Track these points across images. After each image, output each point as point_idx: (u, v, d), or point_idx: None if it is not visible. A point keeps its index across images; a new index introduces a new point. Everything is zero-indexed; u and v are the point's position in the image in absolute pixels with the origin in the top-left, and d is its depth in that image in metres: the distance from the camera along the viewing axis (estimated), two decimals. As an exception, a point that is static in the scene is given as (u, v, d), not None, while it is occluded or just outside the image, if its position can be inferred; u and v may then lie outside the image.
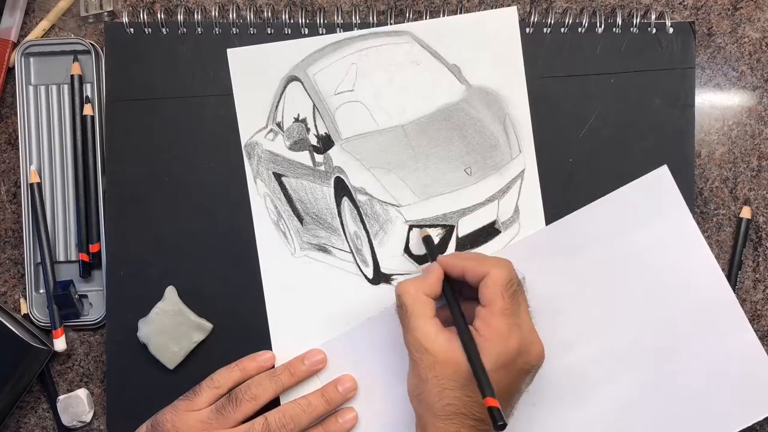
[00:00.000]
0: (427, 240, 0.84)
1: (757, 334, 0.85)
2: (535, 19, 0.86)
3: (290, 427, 0.81)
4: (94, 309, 0.90)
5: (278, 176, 0.87)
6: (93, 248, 0.88)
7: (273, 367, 0.86)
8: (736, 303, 0.85)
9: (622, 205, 0.85)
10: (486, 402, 0.68)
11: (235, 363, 0.85)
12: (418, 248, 0.86)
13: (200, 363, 0.87)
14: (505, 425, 0.66)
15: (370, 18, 0.87)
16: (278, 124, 0.87)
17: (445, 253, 0.84)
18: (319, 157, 0.86)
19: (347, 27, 0.87)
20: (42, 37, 0.90)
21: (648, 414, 0.82)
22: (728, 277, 0.87)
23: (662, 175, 0.86)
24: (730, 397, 0.84)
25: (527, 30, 0.87)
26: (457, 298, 0.77)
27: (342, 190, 0.86)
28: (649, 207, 0.85)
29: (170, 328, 0.86)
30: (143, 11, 0.87)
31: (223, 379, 0.83)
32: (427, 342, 0.73)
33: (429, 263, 0.80)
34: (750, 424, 0.84)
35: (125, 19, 0.88)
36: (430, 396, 0.72)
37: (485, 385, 0.69)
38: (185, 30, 0.87)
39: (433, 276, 0.77)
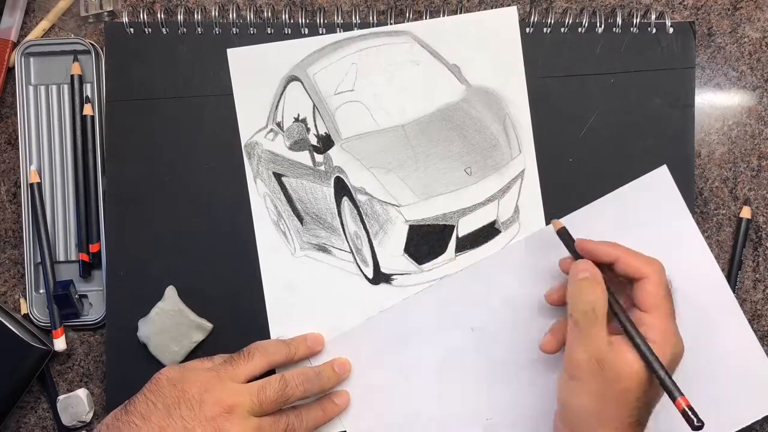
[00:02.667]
0: (562, 232, 0.81)
1: (757, 334, 0.85)
2: (535, 19, 0.86)
3: (306, 387, 0.81)
4: (94, 309, 0.90)
5: (278, 176, 0.87)
6: (93, 248, 0.88)
7: (319, 353, 0.86)
8: (735, 302, 0.85)
9: (621, 205, 0.85)
10: (678, 404, 0.67)
11: (285, 342, 0.84)
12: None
13: (200, 363, 0.87)
14: (703, 425, 0.65)
15: (370, 18, 0.87)
16: (278, 124, 0.87)
17: (587, 242, 0.78)
18: (319, 157, 0.86)
19: (347, 27, 0.87)
20: (42, 37, 0.90)
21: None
22: (728, 277, 0.87)
23: (662, 174, 0.86)
24: (729, 397, 0.84)
25: (527, 30, 0.87)
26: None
27: (342, 189, 0.86)
28: (649, 207, 0.85)
29: (170, 327, 0.86)
30: (143, 11, 0.87)
31: (275, 355, 0.82)
32: (610, 354, 0.71)
33: (584, 261, 0.76)
34: (749, 423, 0.84)
35: (125, 19, 0.88)
36: (609, 411, 0.70)
37: (674, 388, 0.68)
38: (185, 30, 0.87)
39: (601, 278, 0.74)
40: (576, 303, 0.74)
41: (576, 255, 0.78)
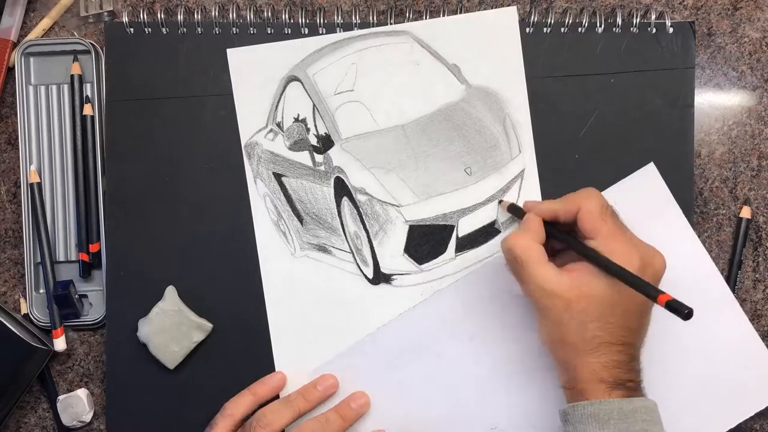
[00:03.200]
0: (512, 207, 0.84)
1: (758, 333, 0.85)
2: (535, 19, 0.86)
3: None
4: (94, 309, 0.90)
5: (278, 176, 0.87)
6: (93, 248, 0.88)
7: (283, 387, 0.86)
8: (731, 295, 0.85)
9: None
10: (660, 300, 0.66)
11: (246, 389, 0.85)
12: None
13: (200, 363, 0.88)
14: (692, 311, 0.64)
15: (370, 18, 0.87)
16: (278, 124, 0.87)
17: (531, 201, 0.81)
18: (319, 157, 0.86)
19: (347, 27, 0.87)
20: (42, 37, 0.90)
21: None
22: (728, 277, 0.88)
23: (649, 172, 0.86)
24: (728, 389, 0.84)
25: (527, 30, 0.87)
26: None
27: (342, 190, 0.86)
28: (638, 205, 0.85)
29: (170, 327, 0.86)
30: (143, 11, 0.87)
31: (235, 407, 0.83)
32: (554, 285, 0.72)
33: (526, 216, 0.79)
34: (751, 414, 0.84)
35: (125, 19, 0.88)
36: (571, 336, 0.72)
37: (648, 287, 0.68)
38: (185, 30, 0.87)
39: (535, 223, 0.77)
40: (504, 257, 0.77)
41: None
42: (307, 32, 0.87)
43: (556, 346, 0.74)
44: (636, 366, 0.73)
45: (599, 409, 0.70)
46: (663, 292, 0.67)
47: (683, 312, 0.64)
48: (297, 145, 0.87)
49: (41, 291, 0.89)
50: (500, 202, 0.86)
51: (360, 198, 0.85)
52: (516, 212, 0.83)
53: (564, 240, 0.77)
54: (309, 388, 0.85)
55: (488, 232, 0.86)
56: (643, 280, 0.69)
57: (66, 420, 0.89)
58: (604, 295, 0.71)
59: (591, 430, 0.70)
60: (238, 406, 0.83)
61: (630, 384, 0.72)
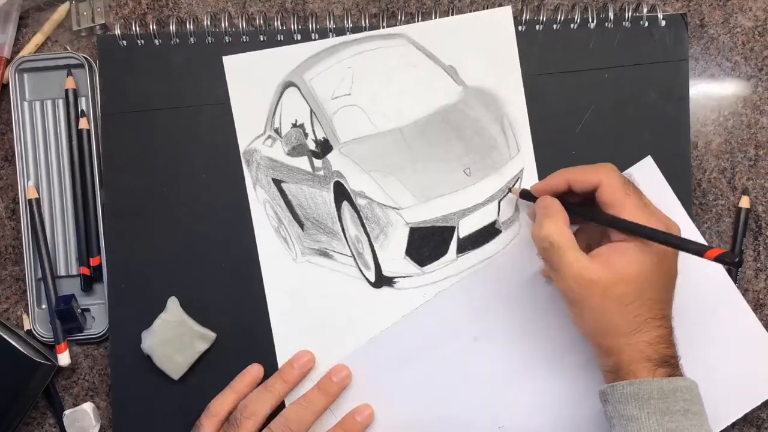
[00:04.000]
0: (524, 193, 0.83)
1: (761, 323, 0.85)
2: (527, 17, 0.86)
3: (295, 427, 0.82)
4: (97, 322, 0.90)
5: (278, 182, 0.87)
6: (93, 262, 0.88)
7: (261, 378, 0.86)
8: (733, 285, 0.85)
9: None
10: (709, 255, 0.67)
11: (227, 387, 0.85)
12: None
13: (205, 372, 0.87)
14: (742, 260, 0.65)
15: (362, 22, 0.87)
16: (276, 130, 0.87)
17: (538, 183, 0.81)
18: (317, 162, 0.86)
19: (340, 32, 0.87)
20: (35, 52, 0.90)
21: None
22: (729, 268, 0.87)
23: (647, 165, 0.86)
24: (733, 380, 0.84)
25: (519, 28, 0.87)
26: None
27: (342, 194, 0.85)
28: None
29: (174, 338, 0.86)
30: (135, 23, 0.87)
31: (218, 406, 0.83)
32: (589, 272, 0.71)
33: (541, 198, 0.79)
34: (756, 404, 0.85)
35: (117, 32, 0.87)
36: (613, 321, 0.72)
37: (692, 245, 0.69)
38: (178, 40, 0.87)
39: (557, 206, 0.76)
40: (537, 244, 0.76)
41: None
42: (299, 38, 0.87)
43: (598, 334, 0.74)
44: (674, 339, 0.73)
45: (639, 389, 0.70)
46: (711, 247, 0.68)
47: (734, 261, 0.66)
48: (295, 151, 0.87)
49: (43, 306, 0.89)
50: (510, 190, 0.86)
51: (360, 202, 0.85)
52: (529, 197, 0.82)
53: (592, 217, 0.76)
54: (285, 368, 0.86)
55: (489, 232, 0.86)
56: (690, 241, 0.70)
57: (73, 435, 0.89)
58: (637, 273, 0.71)
59: (631, 410, 0.70)
60: (221, 404, 0.83)
61: (672, 360, 0.72)
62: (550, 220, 0.75)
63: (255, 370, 0.86)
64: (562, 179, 0.77)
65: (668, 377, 0.71)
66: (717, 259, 0.67)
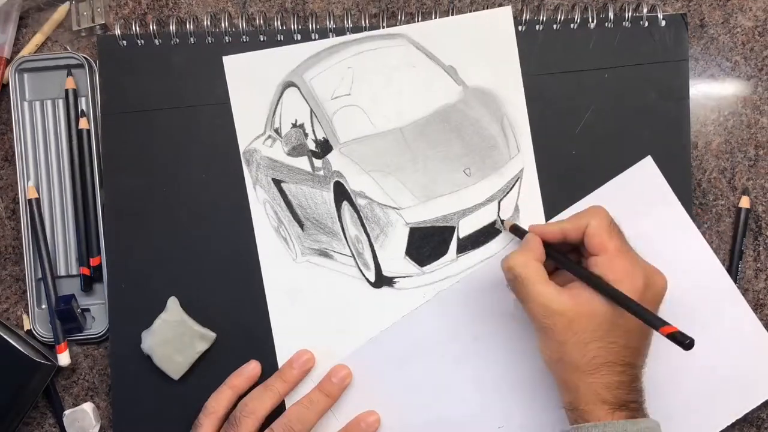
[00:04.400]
0: (514, 228, 0.84)
1: (761, 323, 0.85)
2: (527, 17, 0.86)
3: (298, 428, 0.82)
4: (97, 322, 0.90)
5: (277, 182, 0.87)
6: (93, 262, 0.88)
7: (260, 374, 0.86)
8: (733, 285, 0.85)
9: (609, 200, 0.84)
10: (663, 331, 0.67)
11: (224, 383, 0.85)
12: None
13: (205, 372, 0.87)
14: (693, 342, 0.65)
15: (363, 22, 0.87)
16: (276, 130, 0.87)
17: (537, 225, 0.82)
18: (317, 162, 0.86)
19: (340, 32, 0.87)
20: (35, 52, 0.90)
21: (651, 405, 0.83)
22: (729, 268, 0.88)
23: (647, 166, 0.86)
24: (733, 380, 0.84)
25: (519, 28, 0.87)
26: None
27: (341, 194, 0.85)
28: (637, 199, 0.85)
29: (174, 338, 0.86)
30: (135, 23, 0.87)
31: (216, 404, 0.84)
32: (555, 304, 0.72)
33: (526, 235, 0.80)
34: (757, 404, 0.85)
35: (117, 32, 0.87)
36: (572, 356, 0.72)
37: (652, 317, 0.69)
38: (178, 40, 0.87)
39: (535, 242, 0.77)
40: (505, 276, 0.77)
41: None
42: (299, 38, 0.87)
43: (557, 366, 0.74)
44: (638, 386, 0.73)
45: (604, 431, 0.70)
46: (666, 323, 0.67)
47: (684, 342, 0.65)
48: (295, 151, 0.87)
49: (43, 306, 0.89)
50: (503, 221, 0.86)
51: (360, 202, 0.85)
52: (518, 233, 0.83)
53: (564, 263, 0.77)
54: (285, 368, 0.86)
55: (489, 232, 0.86)
56: (646, 309, 0.69)
57: (73, 435, 0.89)
58: (605, 314, 0.71)
59: None
60: (219, 402, 0.84)
61: (633, 405, 0.72)
62: (519, 253, 0.76)
63: (252, 366, 0.86)
64: (557, 229, 0.78)
65: (632, 419, 0.71)
66: (669, 337, 0.66)
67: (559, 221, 0.78)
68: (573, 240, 0.77)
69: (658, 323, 0.68)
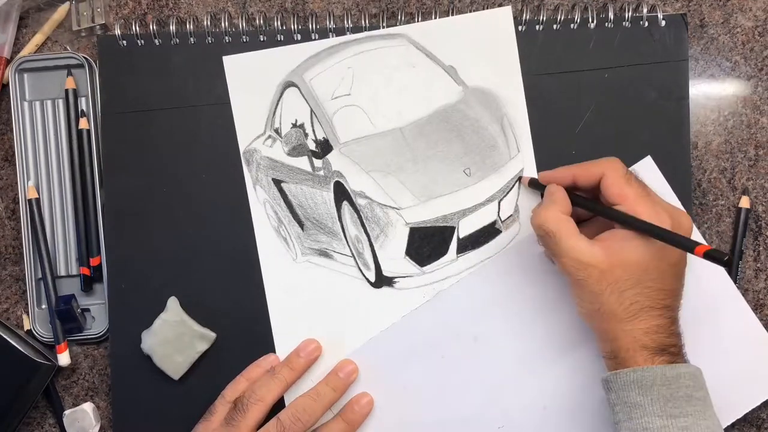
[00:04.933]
0: (533, 182, 0.84)
1: (761, 323, 0.85)
2: (527, 17, 0.86)
3: (305, 418, 0.82)
4: (97, 322, 0.90)
5: (278, 182, 0.87)
6: (93, 262, 0.88)
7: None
8: (733, 285, 0.85)
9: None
10: (697, 252, 0.67)
11: (241, 374, 0.85)
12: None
13: (205, 372, 0.87)
14: (731, 257, 0.65)
15: (363, 22, 0.87)
16: (276, 130, 0.87)
17: (546, 172, 0.82)
18: (318, 162, 0.86)
19: (340, 32, 0.87)
20: (35, 52, 0.90)
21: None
22: (729, 268, 0.87)
23: (647, 165, 0.86)
24: (733, 380, 0.84)
25: (519, 28, 0.87)
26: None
27: (342, 194, 0.85)
28: None
29: (174, 338, 0.86)
30: (135, 23, 0.87)
31: (232, 392, 0.84)
32: (588, 256, 0.73)
33: (548, 187, 0.80)
34: (757, 404, 0.85)
35: (117, 32, 0.87)
36: (609, 305, 0.72)
37: (685, 240, 0.70)
38: (178, 40, 0.87)
39: (559, 194, 0.78)
40: (535, 231, 0.77)
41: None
42: (299, 38, 0.87)
43: (595, 317, 0.74)
44: (676, 329, 0.74)
45: (642, 376, 0.70)
46: (699, 243, 0.68)
47: (722, 259, 0.66)
48: (295, 151, 0.87)
49: (43, 306, 0.89)
50: (520, 178, 0.86)
51: (360, 202, 0.85)
52: (537, 186, 0.83)
53: (592, 208, 0.77)
54: (292, 356, 0.86)
55: (489, 232, 0.86)
56: (678, 235, 0.70)
57: (73, 435, 0.89)
58: (638, 259, 0.71)
59: (634, 397, 0.71)
60: (235, 391, 0.84)
61: (672, 349, 0.72)
62: (547, 208, 0.76)
63: (271, 360, 0.87)
64: (568, 173, 0.79)
65: (671, 364, 0.71)
66: (706, 256, 0.67)
67: (569, 167, 0.79)
68: (583, 186, 0.78)
69: (691, 244, 0.68)
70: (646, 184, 0.76)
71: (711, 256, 0.67)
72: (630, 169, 0.83)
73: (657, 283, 0.72)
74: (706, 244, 0.68)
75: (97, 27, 0.89)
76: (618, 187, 0.74)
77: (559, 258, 0.75)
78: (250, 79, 0.87)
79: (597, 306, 0.73)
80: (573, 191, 0.79)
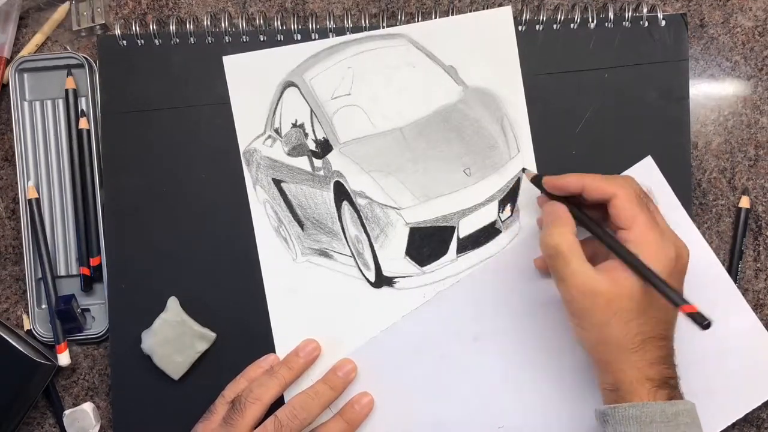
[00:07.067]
0: (535, 179, 0.82)
1: (761, 323, 0.85)
2: (527, 17, 0.86)
3: (302, 416, 0.81)
4: (97, 322, 0.90)
5: (278, 182, 0.87)
6: (93, 262, 0.88)
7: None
8: (733, 285, 0.85)
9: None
10: (683, 310, 0.67)
11: (241, 374, 0.85)
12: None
13: (205, 372, 0.87)
14: (710, 323, 0.65)
15: (363, 22, 0.87)
16: (276, 130, 0.87)
17: (552, 177, 0.80)
18: (318, 162, 0.86)
19: (340, 32, 0.87)
20: (35, 52, 0.90)
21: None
22: (729, 268, 0.88)
23: (647, 165, 0.86)
24: (734, 380, 0.84)
25: (519, 28, 0.87)
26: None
27: (342, 194, 0.85)
28: None
29: (174, 338, 0.86)
30: (135, 23, 0.87)
31: (232, 392, 0.83)
32: (594, 283, 0.71)
33: (549, 203, 0.79)
34: (757, 404, 0.85)
35: (118, 32, 0.87)
36: (615, 336, 0.71)
37: (675, 296, 0.69)
38: (178, 40, 0.87)
39: (566, 215, 0.76)
40: (543, 251, 0.76)
41: (550, 196, 0.80)
42: (299, 38, 0.87)
43: (598, 348, 0.73)
44: (674, 361, 0.73)
45: (642, 412, 0.69)
46: (687, 302, 0.68)
47: (702, 323, 0.66)
48: (295, 151, 0.87)
49: (43, 306, 0.89)
50: (524, 170, 0.86)
51: (360, 202, 0.85)
52: (538, 184, 0.82)
53: (595, 232, 0.76)
54: (291, 356, 0.86)
55: (489, 232, 0.86)
56: (672, 288, 0.69)
57: (73, 434, 0.89)
58: (643, 291, 0.71)
59: None
60: (234, 391, 0.83)
61: (672, 381, 0.72)
62: (558, 228, 0.75)
63: (271, 360, 0.86)
64: (578, 183, 0.76)
65: (669, 400, 0.71)
66: (689, 315, 0.67)
67: (581, 175, 0.77)
68: (590, 199, 0.76)
69: (678, 301, 0.68)
70: (655, 211, 0.75)
71: (693, 317, 0.67)
72: (630, 169, 0.84)
73: (659, 313, 0.72)
74: (693, 303, 0.68)
75: (97, 27, 0.89)
76: (629, 211, 0.73)
77: (565, 281, 0.73)
78: (250, 79, 0.87)
79: (603, 336, 0.72)
80: (577, 204, 0.78)
